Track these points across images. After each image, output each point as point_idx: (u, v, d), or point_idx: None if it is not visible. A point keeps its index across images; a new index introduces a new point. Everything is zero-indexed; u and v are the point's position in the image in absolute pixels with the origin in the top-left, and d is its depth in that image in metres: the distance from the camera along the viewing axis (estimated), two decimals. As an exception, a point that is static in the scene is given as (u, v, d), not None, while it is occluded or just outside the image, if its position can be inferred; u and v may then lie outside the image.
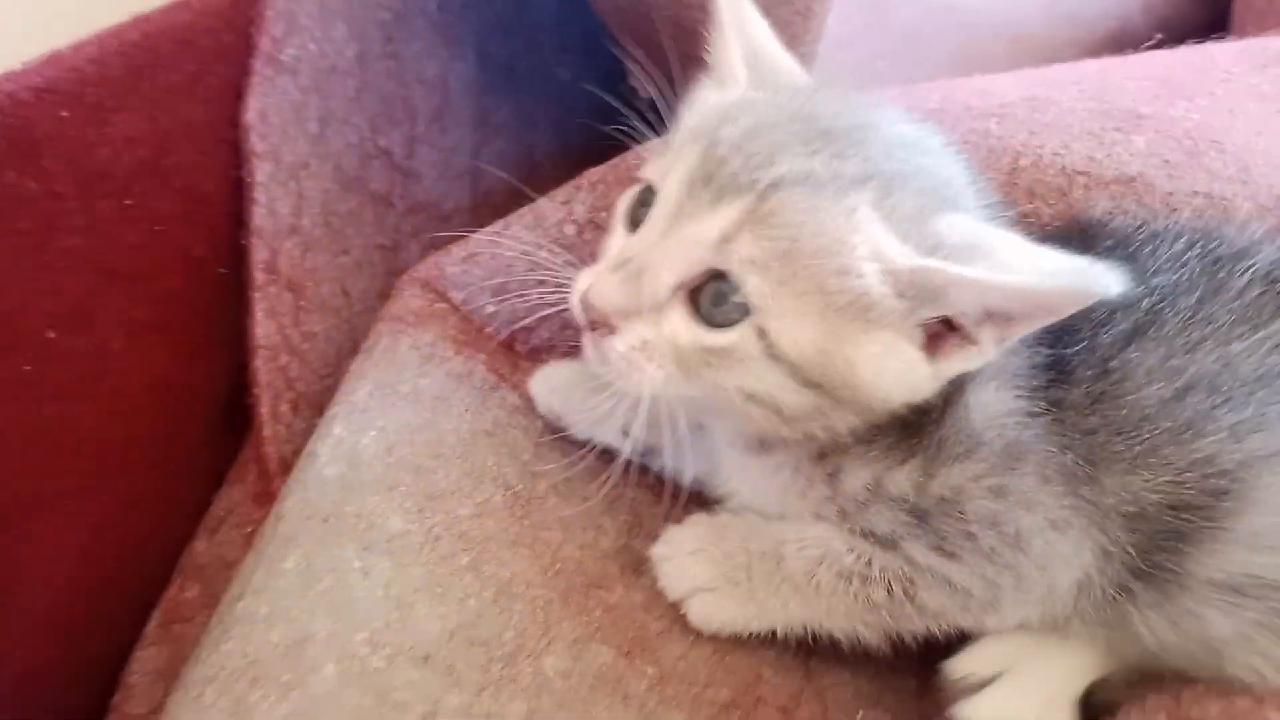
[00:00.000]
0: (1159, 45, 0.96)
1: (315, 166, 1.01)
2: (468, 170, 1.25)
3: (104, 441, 0.87)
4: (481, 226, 1.15)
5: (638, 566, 0.85)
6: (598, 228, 0.92)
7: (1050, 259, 0.61)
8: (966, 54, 1.52)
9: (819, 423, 0.70)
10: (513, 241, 0.93)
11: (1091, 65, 0.92)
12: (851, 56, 1.24)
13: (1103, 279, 0.59)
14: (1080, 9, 1.57)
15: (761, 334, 0.66)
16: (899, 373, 0.66)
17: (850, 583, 0.76)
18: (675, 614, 0.83)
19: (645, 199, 0.73)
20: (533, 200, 0.97)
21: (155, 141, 0.89)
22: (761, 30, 0.77)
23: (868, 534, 0.75)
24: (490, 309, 0.95)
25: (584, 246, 0.92)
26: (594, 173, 0.93)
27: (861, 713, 0.82)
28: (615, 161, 0.92)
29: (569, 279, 0.90)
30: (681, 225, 0.67)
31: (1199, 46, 0.94)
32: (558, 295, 0.92)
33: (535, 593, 0.79)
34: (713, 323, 0.67)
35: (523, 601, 0.78)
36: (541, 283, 0.92)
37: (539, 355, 0.97)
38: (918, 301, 0.64)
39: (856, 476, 0.74)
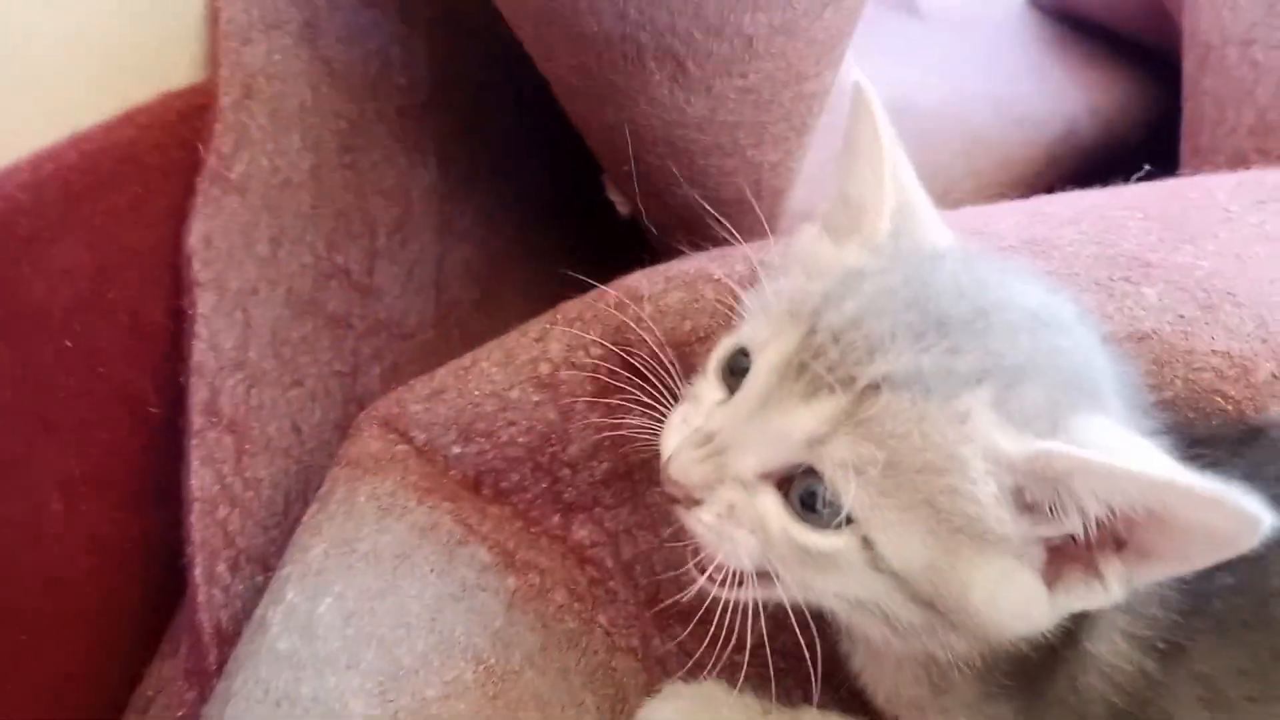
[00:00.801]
0: (1148, 176, 0.93)
1: (265, 292, 0.94)
2: (431, 282, 1.19)
3: (38, 614, 0.78)
4: (447, 342, 1.09)
5: (622, 746, 0.78)
6: (574, 366, 0.85)
7: (1203, 481, 0.52)
8: (923, 157, 1.51)
9: (936, 640, 0.64)
10: (481, 380, 0.87)
11: (1085, 200, 0.88)
12: (809, 158, 1.21)
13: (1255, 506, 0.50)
14: (1028, 111, 1.58)
15: (866, 544, 0.60)
16: (1017, 602, 0.59)
17: None
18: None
19: (737, 362, 0.67)
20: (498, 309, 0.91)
21: (96, 272, 0.82)
22: (911, 179, 0.70)
23: None
24: (456, 450, 0.88)
25: (560, 386, 0.86)
26: (569, 308, 0.87)
27: None
28: (590, 298, 0.87)
29: (541, 419, 0.85)
30: (769, 414, 0.61)
31: (1193, 180, 0.92)
32: (528, 437, 0.86)
33: (512, 785, 0.71)
34: (807, 520, 0.61)
35: (499, 797, 0.70)
36: (513, 424, 0.86)
37: (507, 498, 0.90)
38: (1037, 509, 0.57)
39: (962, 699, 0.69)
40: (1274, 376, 0.73)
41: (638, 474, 0.90)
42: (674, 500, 0.66)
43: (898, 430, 0.58)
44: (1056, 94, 1.63)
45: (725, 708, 0.77)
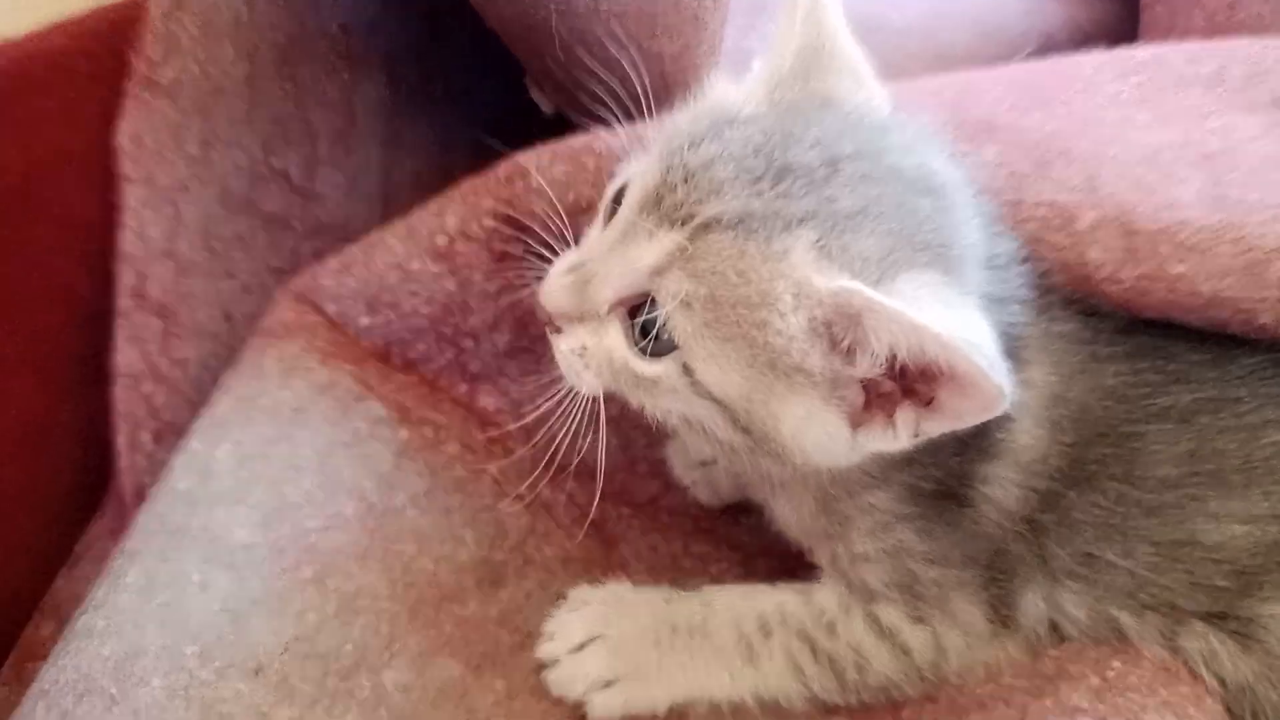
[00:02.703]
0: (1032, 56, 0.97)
1: (196, 189, 1.02)
2: (378, 192, 1.27)
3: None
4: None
5: (497, 579, 0.86)
6: (469, 238, 0.93)
7: (964, 340, 0.56)
8: (892, 75, 1.54)
9: (765, 464, 0.72)
10: (385, 253, 0.95)
11: (959, 76, 0.93)
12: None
13: (999, 379, 0.56)
14: (1004, 27, 1.59)
15: (687, 370, 0.66)
16: (820, 439, 0.66)
17: (800, 653, 0.79)
18: (531, 627, 0.83)
19: (619, 196, 0.72)
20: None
21: (26, 169, 0.90)
22: (836, 27, 0.72)
23: (856, 585, 0.79)
24: (365, 321, 0.96)
25: (456, 257, 0.94)
26: (467, 184, 0.94)
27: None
28: (489, 172, 0.94)
29: (441, 290, 0.93)
30: (626, 244, 0.68)
31: (1071, 56, 0.96)
32: (430, 308, 0.94)
33: (381, 606, 0.80)
34: (645, 348, 0.68)
35: (367, 615, 0.79)
36: (415, 294, 0.94)
37: (415, 367, 0.98)
38: (838, 347, 0.62)
39: (860, 528, 0.77)
40: (1095, 225, 0.77)
41: (540, 346, 0.97)
42: (548, 321, 0.73)
43: (719, 267, 0.64)
44: (1032, 8, 1.65)
45: (632, 605, 0.84)
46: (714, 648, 0.81)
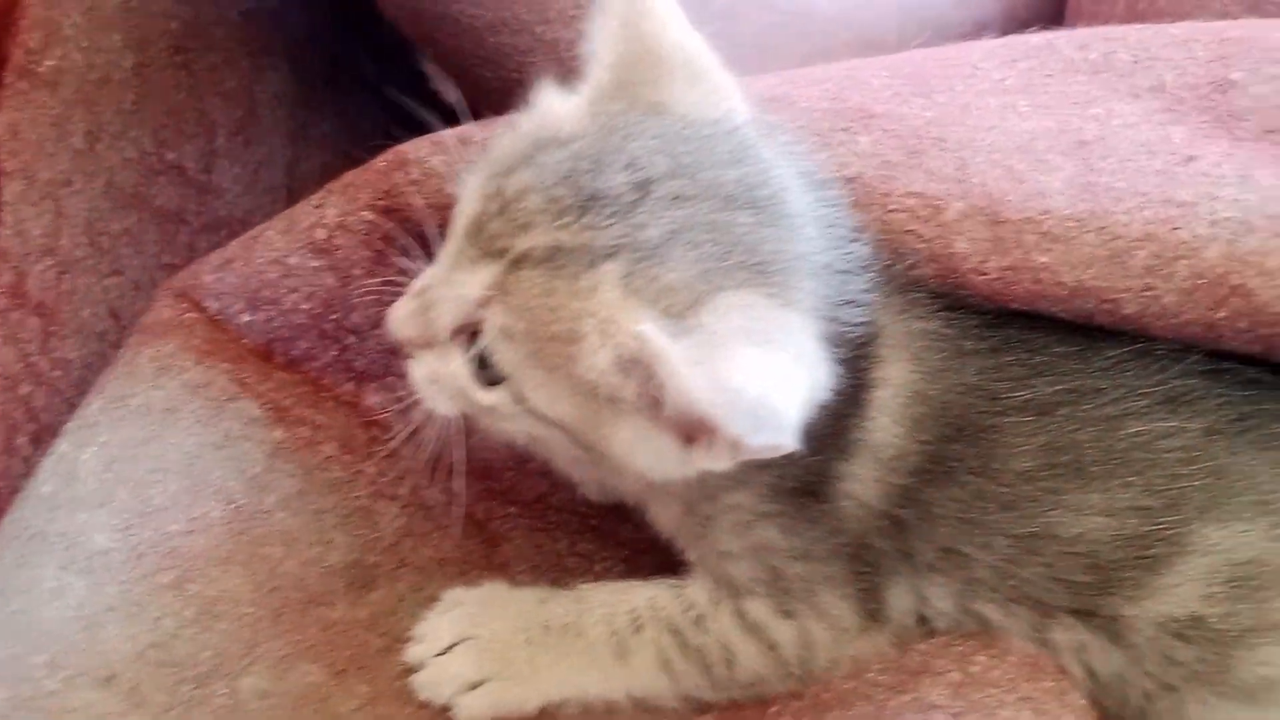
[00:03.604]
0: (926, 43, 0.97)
1: (80, 184, 1.02)
2: (281, 185, 1.26)
3: None
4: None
5: (368, 582, 0.85)
6: (349, 232, 0.92)
7: (773, 390, 0.57)
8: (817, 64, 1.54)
9: (609, 475, 0.74)
10: (265, 248, 0.94)
11: (847, 64, 0.92)
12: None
13: (775, 432, 0.57)
14: (937, 15, 1.58)
15: (520, 399, 0.67)
16: (650, 458, 0.66)
17: (670, 649, 0.79)
18: (401, 630, 0.83)
19: None
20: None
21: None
22: (664, 27, 0.70)
23: (723, 581, 0.79)
24: (246, 318, 0.95)
25: (336, 251, 0.93)
26: (348, 175, 0.93)
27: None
28: (370, 163, 0.93)
29: (321, 286, 0.92)
30: (457, 271, 0.68)
31: (964, 44, 0.95)
32: (311, 304, 0.93)
33: (243, 611, 0.79)
34: (485, 375, 0.68)
35: (227, 620, 0.78)
36: (295, 290, 0.93)
37: (299, 366, 0.97)
38: (645, 382, 0.62)
39: (724, 527, 0.77)
40: (962, 215, 0.77)
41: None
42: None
43: (530, 304, 0.64)
44: (968, -4, 1.64)
45: (504, 605, 0.84)
46: (586, 645, 0.81)
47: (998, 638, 0.79)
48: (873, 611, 0.79)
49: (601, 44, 0.72)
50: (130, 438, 0.85)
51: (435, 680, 0.80)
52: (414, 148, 0.90)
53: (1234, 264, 0.72)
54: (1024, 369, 0.75)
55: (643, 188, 0.65)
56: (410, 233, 0.93)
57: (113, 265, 1.05)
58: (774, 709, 0.80)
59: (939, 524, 0.75)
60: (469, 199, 0.69)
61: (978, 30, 1.61)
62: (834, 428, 0.72)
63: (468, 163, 0.85)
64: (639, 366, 0.61)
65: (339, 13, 1.31)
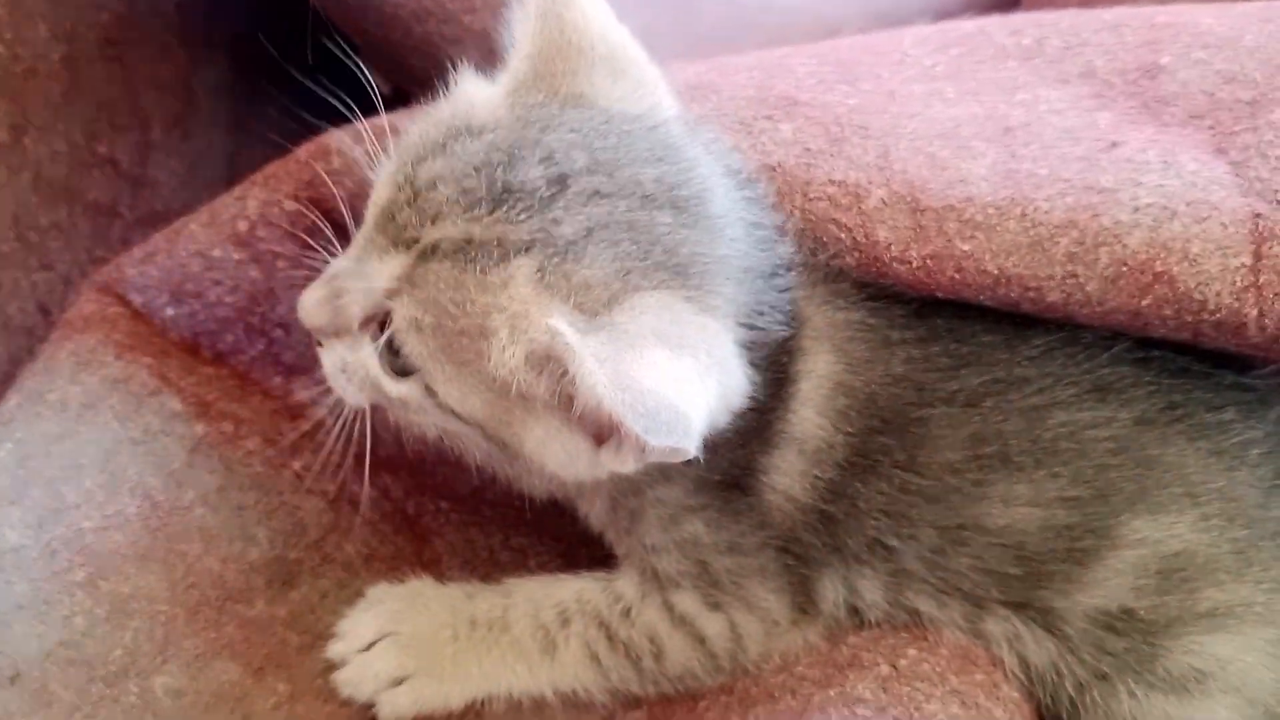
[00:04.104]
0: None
1: (5, 177, 1.00)
2: (222, 178, 1.25)
3: None
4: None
5: (290, 579, 0.85)
6: (271, 224, 0.91)
7: (679, 393, 0.57)
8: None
9: (521, 473, 0.72)
10: (188, 240, 0.93)
11: (777, 51, 0.92)
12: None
13: (678, 435, 0.56)
14: (897, 5, 1.58)
15: (429, 391, 0.66)
16: (561, 457, 0.65)
17: (597, 642, 0.79)
18: (323, 627, 0.82)
19: None
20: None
21: None
22: (587, 20, 0.70)
23: (651, 573, 0.78)
24: (170, 312, 0.94)
25: (259, 243, 0.92)
26: (270, 166, 0.93)
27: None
28: (292, 153, 0.92)
29: (245, 278, 0.91)
30: (366, 260, 0.67)
31: (897, 30, 0.95)
32: (235, 297, 0.92)
33: (158, 608, 0.79)
34: (393, 366, 0.67)
35: (141, 618, 0.78)
36: (219, 283, 0.92)
37: (225, 360, 0.96)
38: (557, 377, 0.61)
39: (650, 522, 0.76)
40: (884, 203, 0.77)
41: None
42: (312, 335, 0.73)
43: (439, 297, 0.63)
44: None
45: (430, 602, 0.83)
46: (512, 640, 0.80)
47: (930, 630, 0.79)
48: (803, 604, 0.79)
49: (522, 34, 0.71)
50: (45, 433, 0.84)
51: (357, 677, 0.79)
52: (336, 137, 0.89)
53: (1157, 250, 0.71)
54: (951, 359, 0.75)
55: (560, 182, 0.64)
56: (334, 224, 0.92)
57: (41, 260, 1.04)
58: (703, 704, 0.79)
59: (866, 517, 0.74)
60: (381, 187, 0.68)
61: (939, 18, 1.61)
62: (758, 421, 0.71)
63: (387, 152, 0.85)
64: (550, 362, 0.60)
65: (278, 4, 1.30)
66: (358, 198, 0.87)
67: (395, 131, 0.87)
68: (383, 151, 0.85)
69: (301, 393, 0.98)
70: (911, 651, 0.76)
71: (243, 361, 0.96)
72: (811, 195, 0.78)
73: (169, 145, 1.18)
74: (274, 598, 0.82)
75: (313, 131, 1.31)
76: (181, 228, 0.94)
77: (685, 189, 0.66)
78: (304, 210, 0.91)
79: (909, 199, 0.76)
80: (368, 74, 1.20)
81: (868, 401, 0.74)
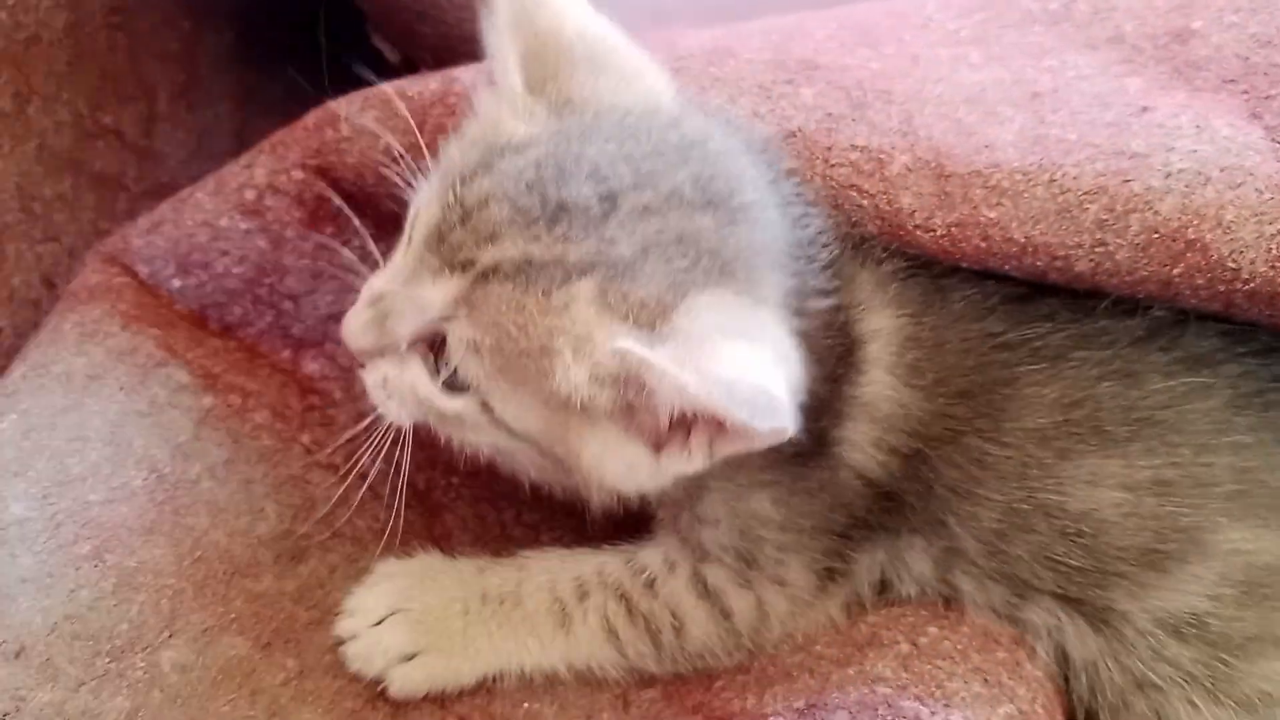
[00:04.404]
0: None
1: (8, 147, 0.99)
2: (229, 150, 1.23)
3: None
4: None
5: (298, 553, 0.83)
6: (278, 192, 0.90)
7: (763, 377, 0.57)
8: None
9: (577, 483, 0.71)
10: (194, 210, 0.91)
11: (793, 16, 0.90)
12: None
13: (776, 417, 0.56)
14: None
15: (487, 409, 0.66)
16: (620, 469, 0.65)
17: (616, 615, 0.78)
18: (332, 602, 0.81)
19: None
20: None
21: None
22: (563, 19, 0.69)
23: (695, 545, 0.77)
24: (177, 283, 0.93)
25: (266, 213, 0.91)
26: (277, 134, 0.91)
27: (527, 705, 0.79)
28: (300, 121, 0.90)
29: (253, 249, 0.89)
30: (418, 282, 0.66)
31: (924, -4, 0.92)
32: (243, 268, 0.90)
33: (165, 582, 0.77)
34: (447, 383, 0.67)
35: (147, 592, 0.76)
36: (226, 254, 0.91)
37: (234, 332, 0.94)
38: (628, 392, 0.61)
39: (714, 495, 0.75)
40: (908, 169, 0.75)
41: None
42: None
43: (499, 319, 0.63)
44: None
45: (440, 576, 0.82)
46: (525, 615, 0.79)
47: (952, 608, 0.77)
48: (833, 574, 0.77)
49: (496, 43, 0.70)
50: (51, 405, 0.83)
51: (367, 652, 0.78)
52: (344, 104, 0.88)
53: (1189, 217, 0.69)
54: (1020, 308, 0.74)
55: (610, 199, 0.63)
56: (343, 194, 0.90)
57: (46, 231, 1.03)
58: (719, 683, 0.78)
59: (934, 495, 0.73)
60: (426, 206, 0.67)
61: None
62: (830, 392, 0.71)
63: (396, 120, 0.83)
64: (618, 380, 0.61)
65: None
66: (366, 166, 0.86)
67: (405, 98, 0.85)
68: (387, 118, 0.84)
69: (310, 365, 0.96)
70: (932, 629, 0.75)
71: (251, 334, 0.95)
72: (833, 161, 0.76)
73: (175, 116, 1.16)
74: (282, 572, 0.81)
75: (322, 102, 1.31)
76: (188, 197, 0.93)
77: (718, 184, 0.66)
78: (311, 179, 0.89)
79: (934, 165, 0.74)
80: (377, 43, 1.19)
81: (938, 352, 0.72)
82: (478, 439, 0.70)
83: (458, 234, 0.64)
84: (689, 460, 0.63)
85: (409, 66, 1.12)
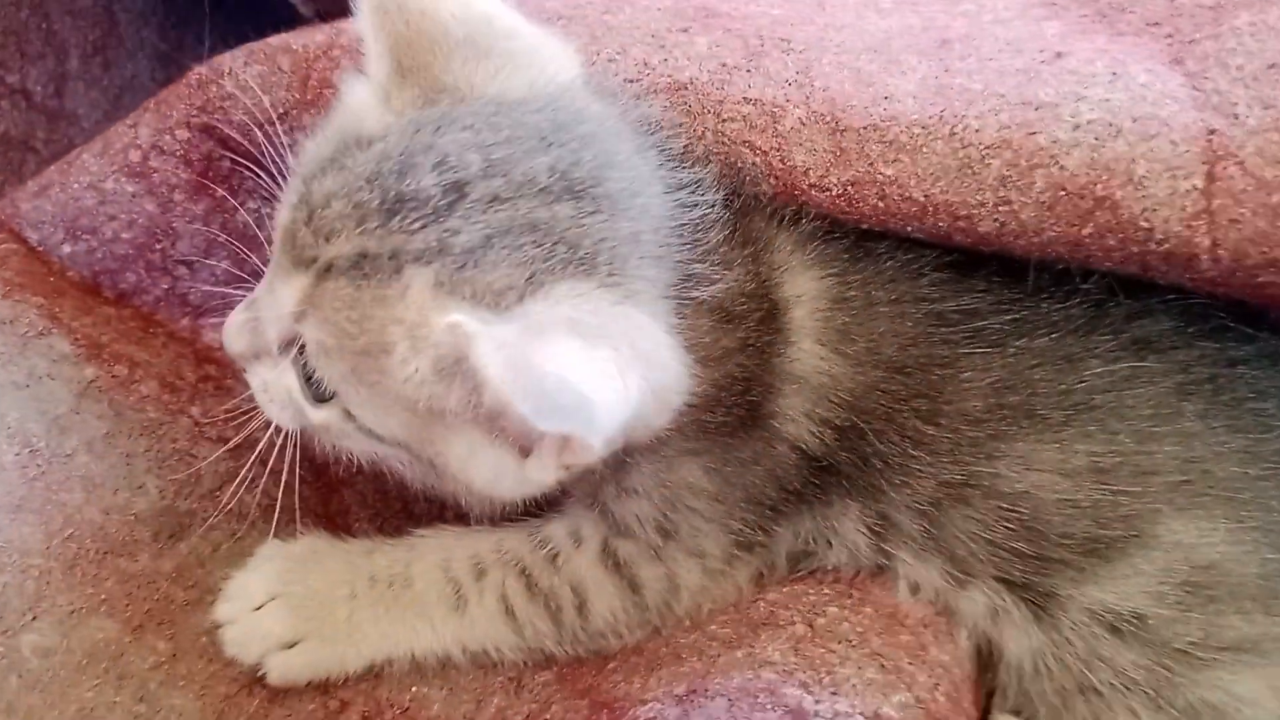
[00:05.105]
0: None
1: (-98, 107, 0.96)
2: (149, 110, 1.20)
3: None
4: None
5: (179, 531, 0.81)
6: (164, 152, 0.86)
7: (588, 375, 0.52)
8: None
9: (459, 490, 0.68)
10: (80, 172, 0.88)
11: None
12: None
13: (578, 422, 0.53)
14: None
15: (349, 416, 0.64)
16: (487, 474, 0.63)
17: (516, 594, 0.75)
18: (213, 582, 0.78)
19: None
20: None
21: None
22: (436, 6, 0.65)
23: (610, 518, 0.74)
24: (67, 249, 0.90)
25: (152, 174, 0.87)
26: (163, 92, 0.88)
27: (415, 689, 0.77)
28: (184, 78, 0.86)
29: (141, 212, 0.86)
30: (275, 282, 0.64)
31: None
32: (132, 233, 0.87)
33: (31, 561, 0.75)
34: (314, 392, 0.65)
35: (11, 572, 0.74)
36: (114, 218, 0.87)
37: (129, 300, 0.91)
38: (463, 386, 0.58)
39: (640, 466, 0.71)
40: (801, 123, 0.71)
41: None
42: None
43: (337, 317, 0.60)
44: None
45: (326, 559, 0.79)
46: (415, 597, 0.76)
47: (855, 587, 0.74)
48: (750, 545, 0.75)
49: (368, 29, 0.66)
50: (-79, 378, 0.80)
51: (244, 638, 0.75)
52: (229, 59, 0.84)
53: (1098, 172, 0.65)
54: (959, 286, 0.71)
55: (457, 190, 0.60)
56: (233, 152, 0.86)
57: (-53, 195, 0.99)
58: (611, 664, 0.75)
59: (870, 466, 0.71)
60: (283, 205, 0.65)
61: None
62: (759, 364, 0.68)
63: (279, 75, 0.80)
64: (459, 366, 0.57)
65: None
66: (252, 125, 0.82)
67: (289, 51, 0.82)
68: (270, 74, 0.80)
69: (210, 334, 0.93)
70: (832, 609, 0.72)
71: (147, 301, 0.92)
72: (725, 115, 0.72)
73: (88, 75, 1.13)
74: (160, 551, 0.78)
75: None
76: (75, 159, 0.90)
77: (580, 172, 0.62)
78: (198, 138, 0.85)
79: (829, 118, 0.70)
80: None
81: (867, 314, 0.70)
82: (351, 447, 0.68)
83: (303, 233, 0.61)
84: (542, 469, 0.60)
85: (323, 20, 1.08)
